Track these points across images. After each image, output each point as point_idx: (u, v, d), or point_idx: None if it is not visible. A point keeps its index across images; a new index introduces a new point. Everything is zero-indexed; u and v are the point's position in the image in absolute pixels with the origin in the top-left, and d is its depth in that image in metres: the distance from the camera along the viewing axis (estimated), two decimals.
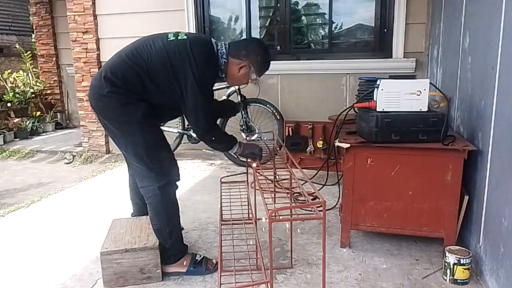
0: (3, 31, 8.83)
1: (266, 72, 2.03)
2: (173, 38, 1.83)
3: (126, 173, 2.25)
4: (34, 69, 6.53)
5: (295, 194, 2.80)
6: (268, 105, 3.86)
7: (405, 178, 2.00)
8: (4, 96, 5.91)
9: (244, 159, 2.44)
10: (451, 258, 1.81)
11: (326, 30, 4.23)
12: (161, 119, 2.10)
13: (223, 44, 1.92)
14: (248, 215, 2.32)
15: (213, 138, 1.95)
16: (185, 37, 1.85)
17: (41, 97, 6.44)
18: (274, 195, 2.02)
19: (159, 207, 1.88)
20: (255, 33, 4.47)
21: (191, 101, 1.79)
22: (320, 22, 4.34)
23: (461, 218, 2.01)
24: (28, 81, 6.36)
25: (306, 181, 2.15)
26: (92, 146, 4.67)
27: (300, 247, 2.19)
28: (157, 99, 1.83)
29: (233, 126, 3.78)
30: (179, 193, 1.98)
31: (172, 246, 1.92)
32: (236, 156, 2.10)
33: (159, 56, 1.78)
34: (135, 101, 1.78)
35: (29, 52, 6.66)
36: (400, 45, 3.78)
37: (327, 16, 4.16)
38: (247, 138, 2.35)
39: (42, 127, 6.00)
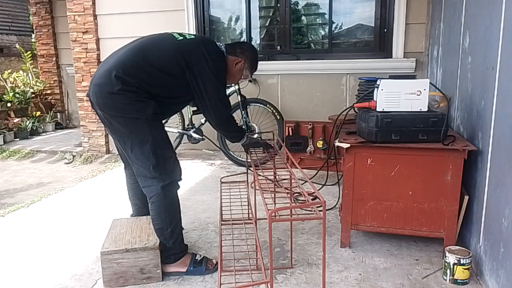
0: (3, 31, 8.83)
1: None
2: (182, 37, 1.94)
3: None
4: (34, 69, 6.53)
5: (295, 194, 2.80)
6: (268, 105, 3.86)
7: (405, 178, 2.00)
8: (4, 96, 5.91)
9: (244, 159, 2.45)
10: (451, 258, 1.81)
11: (326, 30, 4.23)
12: (165, 116, 2.15)
13: (221, 44, 2.04)
14: (248, 215, 2.32)
15: (232, 127, 2.06)
16: (193, 36, 2.01)
17: (41, 97, 6.45)
18: (274, 195, 2.02)
19: (162, 206, 1.88)
20: (255, 33, 4.47)
21: (213, 93, 1.90)
22: (320, 22, 4.34)
23: (461, 218, 2.01)
24: (28, 81, 6.36)
25: (306, 181, 2.15)
26: (92, 146, 4.67)
27: (300, 247, 2.19)
28: (167, 95, 1.90)
29: None
30: (179, 193, 1.98)
31: (173, 245, 1.92)
32: (243, 148, 2.17)
33: (172, 54, 1.86)
34: (145, 98, 1.81)
35: (29, 52, 6.67)
36: (400, 45, 3.79)
37: (327, 16, 4.17)
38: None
39: (42, 127, 6.00)
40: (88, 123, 4.65)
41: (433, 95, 2.36)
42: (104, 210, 2.83)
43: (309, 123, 3.38)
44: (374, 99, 2.05)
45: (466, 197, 1.99)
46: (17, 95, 5.97)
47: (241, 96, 3.81)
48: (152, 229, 1.94)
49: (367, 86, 2.35)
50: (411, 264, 2.00)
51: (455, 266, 1.79)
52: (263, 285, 1.47)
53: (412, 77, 2.08)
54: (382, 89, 1.99)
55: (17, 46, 7.09)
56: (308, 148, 3.39)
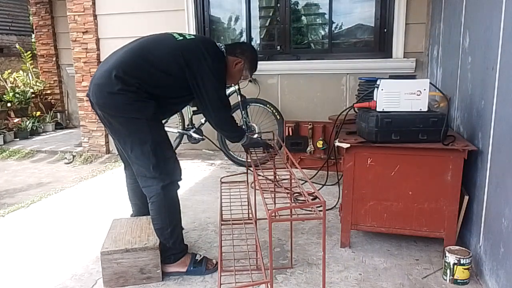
0: (3, 31, 8.83)
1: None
2: (181, 37, 1.94)
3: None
4: (34, 69, 6.53)
5: (295, 194, 2.80)
6: (268, 105, 3.86)
7: (405, 178, 2.00)
8: (4, 96, 5.91)
9: (244, 159, 2.45)
10: (451, 258, 1.81)
11: (326, 30, 4.23)
12: (165, 116, 2.14)
13: (221, 44, 2.05)
14: (248, 215, 2.32)
15: (232, 127, 2.05)
16: (193, 36, 2.01)
17: (41, 97, 6.45)
18: (274, 195, 2.02)
19: (162, 206, 1.88)
20: (255, 33, 4.47)
21: (213, 93, 1.90)
22: (320, 22, 4.34)
23: (461, 218, 2.01)
24: (28, 81, 6.36)
25: (306, 181, 2.15)
26: (92, 146, 4.67)
27: (300, 247, 2.19)
28: (167, 95, 1.90)
29: None
30: (179, 193, 1.98)
31: (173, 245, 1.92)
32: (243, 148, 2.17)
33: (171, 54, 1.86)
34: (145, 98, 1.81)
35: (29, 52, 6.66)
36: (400, 45, 3.79)
37: (327, 16, 4.16)
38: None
39: (42, 127, 6.00)
40: (88, 123, 4.64)
41: (433, 95, 2.36)
42: (104, 210, 2.83)
43: (309, 123, 3.38)
44: (374, 99, 2.05)
45: (466, 197, 1.99)
46: (17, 95, 5.97)
47: (241, 96, 3.81)
48: (152, 229, 1.94)
49: (367, 86, 2.35)
50: (411, 264, 2.00)
51: (455, 266, 1.79)
52: (263, 285, 1.47)
53: (412, 77, 2.08)
54: (382, 89, 1.99)
55: (17, 46, 7.09)
56: (308, 148, 3.39)
